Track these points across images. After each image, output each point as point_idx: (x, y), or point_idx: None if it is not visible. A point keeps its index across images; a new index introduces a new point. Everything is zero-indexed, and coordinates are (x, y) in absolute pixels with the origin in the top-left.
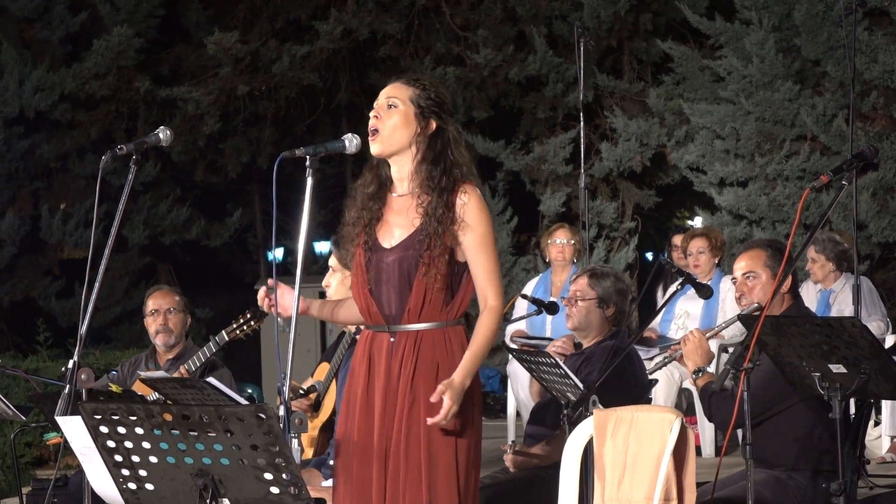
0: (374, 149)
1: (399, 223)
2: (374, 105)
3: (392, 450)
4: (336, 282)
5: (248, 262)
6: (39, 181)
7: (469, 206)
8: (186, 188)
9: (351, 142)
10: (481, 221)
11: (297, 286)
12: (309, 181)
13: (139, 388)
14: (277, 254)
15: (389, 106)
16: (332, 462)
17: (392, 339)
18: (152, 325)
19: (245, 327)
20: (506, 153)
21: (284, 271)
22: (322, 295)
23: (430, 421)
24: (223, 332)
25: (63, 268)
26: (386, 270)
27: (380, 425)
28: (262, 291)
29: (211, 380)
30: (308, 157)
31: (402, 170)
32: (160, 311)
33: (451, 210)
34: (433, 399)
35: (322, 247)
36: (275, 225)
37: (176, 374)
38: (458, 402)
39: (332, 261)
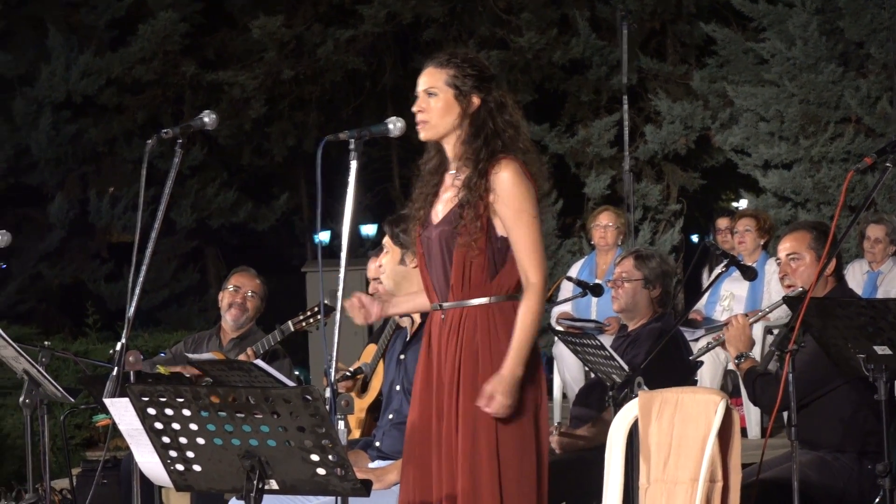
0: (421, 135)
1: (446, 199)
2: (416, 94)
3: (444, 432)
4: (388, 261)
5: (295, 244)
6: (87, 165)
7: (501, 177)
8: (233, 172)
9: (395, 125)
10: (515, 195)
11: (342, 269)
12: (353, 164)
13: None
14: (323, 237)
15: (429, 94)
16: (378, 444)
17: (442, 317)
18: (227, 298)
19: (311, 320)
20: (550, 136)
21: (330, 254)
22: (367, 282)
23: (487, 410)
24: (289, 322)
25: (111, 251)
26: (432, 246)
27: (437, 406)
28: (354, 300)
29: (258, 362)
30: (352, 140)
31: (452, 149)
32: (241, 290)
33: (486, 179)
34: (479, 403)
35: (368, 230)
36: (320, 208)
37: (242, 356)
38: (511, 393)
39: (386, 239)
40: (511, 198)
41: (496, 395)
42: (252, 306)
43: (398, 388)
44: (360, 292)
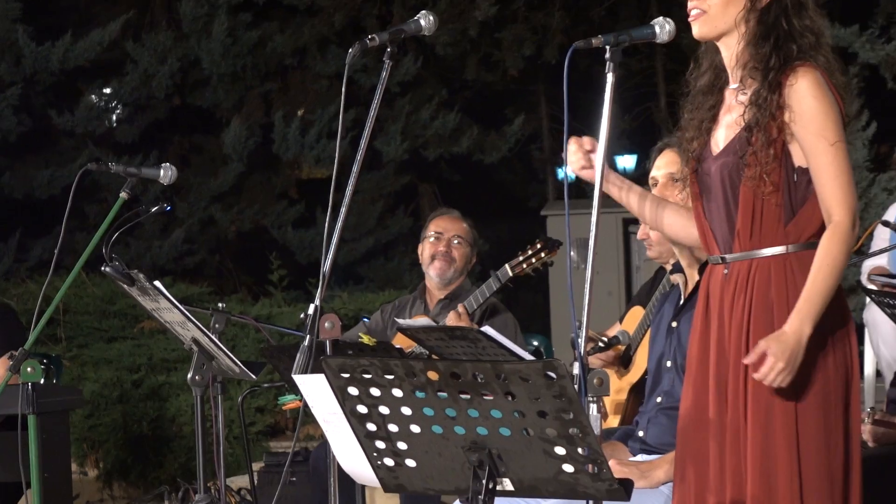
0: (696, 30)
1: (728, 122)
2: None
3: (730, 418)
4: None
5: (533, 181)
6: (271, 82)
7: (798, 89)
8: (454, 89)
9: (662, 27)
10: (816, 112)
11: (594, 212)
12: (609, 78)
13: (400, 341)
14: (569, 171)
15: None
16: (641, 433)
17: (725, 272)
18: (429, 249)
19: (534, 260)
20: (860, 41)
21: (578, 193)
22: (627, 239)
23: (755, 376)
24: (507, 266)
25: (301, 190)
26: (712, 184)
27: (714, 383)
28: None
29: (486, 329)
30: (608, 47)
31: (732, 55)
32: (443, 238)
33: (778, 93)
34: (746, 361)
35: (626, 161)
36: (566, 134)
37: (452, 314)
38: (791, 359)
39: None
40: (811, 116)
41: (770, 355)
42: (460, 255)
43: (669, 363)
44: (575, 138)
